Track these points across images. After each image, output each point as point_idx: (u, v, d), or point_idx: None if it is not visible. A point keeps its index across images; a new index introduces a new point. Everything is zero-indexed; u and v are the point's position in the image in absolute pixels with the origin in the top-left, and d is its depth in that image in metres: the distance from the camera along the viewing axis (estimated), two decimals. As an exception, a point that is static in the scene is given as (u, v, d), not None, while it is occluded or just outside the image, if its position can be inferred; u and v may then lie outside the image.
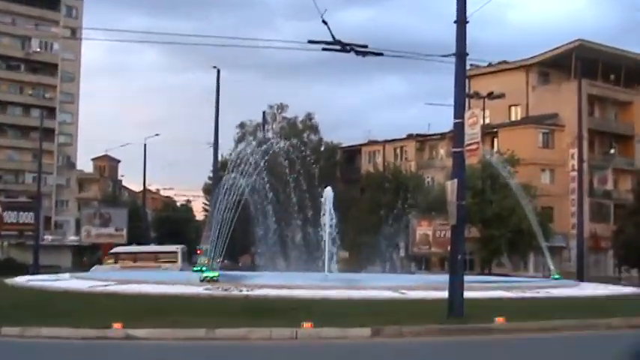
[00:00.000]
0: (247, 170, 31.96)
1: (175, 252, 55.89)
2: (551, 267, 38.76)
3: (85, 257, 76.20)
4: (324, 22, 17.54)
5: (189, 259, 56.50)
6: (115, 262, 52.39)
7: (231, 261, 76.21)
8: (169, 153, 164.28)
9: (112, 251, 55.98)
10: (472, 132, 17.75)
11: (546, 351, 14.15)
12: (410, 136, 78.78)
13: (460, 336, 15.45)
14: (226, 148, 77.65)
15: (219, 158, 64.28)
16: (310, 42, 17.91)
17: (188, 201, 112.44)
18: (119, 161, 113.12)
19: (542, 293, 25.40)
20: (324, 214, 34.98)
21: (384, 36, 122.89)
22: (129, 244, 73.67)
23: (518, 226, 52.87)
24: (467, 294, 18.37)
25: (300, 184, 42.15)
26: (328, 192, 35.87)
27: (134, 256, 54.18)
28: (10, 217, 67.48)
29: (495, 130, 66.71)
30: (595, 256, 64.88)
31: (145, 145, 72.12)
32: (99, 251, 72.93)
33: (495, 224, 54.85)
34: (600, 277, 50.25)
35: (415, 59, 20.03)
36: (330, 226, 34.64)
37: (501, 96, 55.90)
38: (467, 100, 51.04)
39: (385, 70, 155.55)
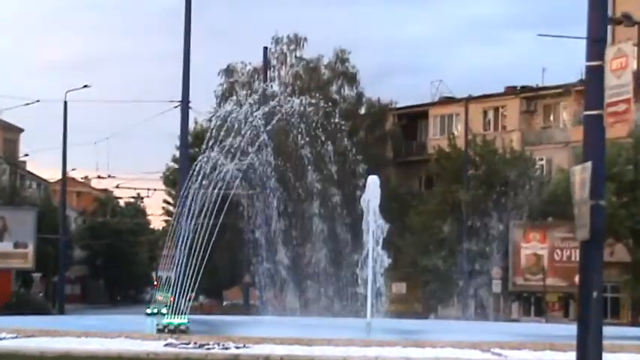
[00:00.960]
0: (239, 146, 32.09)
1: None
2: None
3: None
4: None
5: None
6: None
7: (211, 298, 76.95)
8: (108, 117, 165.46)
9: None
10: (618, 83, 17.70)
11: None
12: (511, 90, 78.56)
13: None
14: (204, 110, 78.10)
15: (192, 126, 64.71)
16: None
17: (138, 198, 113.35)
18: (21, 130, 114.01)
19: None
20: (365, 219, 34.99)
21: None
22: (37, 269, 74.31)
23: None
24: (608, 358, 18.33)
25: (327, 170, 42.23)
26: (373, 182, 35.86)
27: None
28: None
29: (658, 79, 66.41)
30: None
31: (65, 103, 72.41)
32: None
33: (658, 240, 54.76)
34: None
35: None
36: (376, 239, 34.67)
37: (669, 21, 55.52)
38: (610, 28, 50.87)
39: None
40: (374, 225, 34.80)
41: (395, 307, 54.64)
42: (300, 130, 39.34)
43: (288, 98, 40.56)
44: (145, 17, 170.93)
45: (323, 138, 41.50)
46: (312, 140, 40.98)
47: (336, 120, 45.08)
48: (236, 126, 32.01)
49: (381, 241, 34.56)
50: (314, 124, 40.92)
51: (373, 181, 36.00)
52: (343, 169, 44.92)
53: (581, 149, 18.86)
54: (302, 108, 37.76)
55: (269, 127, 34.24)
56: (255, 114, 33.03)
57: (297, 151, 41.46)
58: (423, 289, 64.99)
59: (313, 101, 39.13)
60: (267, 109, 34.64)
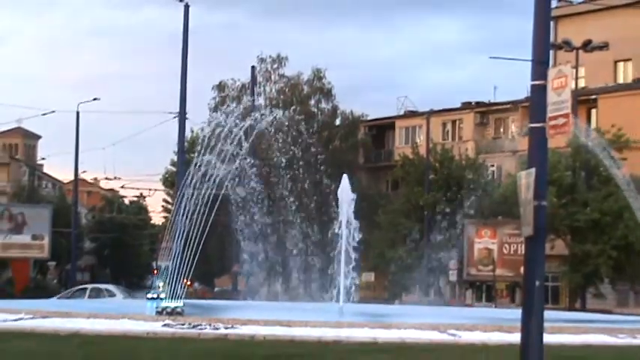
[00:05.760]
0: (227, 151, 31.98)
1: None
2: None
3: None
4: None
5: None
6: None
7: (204, 285, 76.73)
8: (115, 126, 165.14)
9: None
10: (558, 99, 17.70)
11: None
12: (466, 105, 78.73)
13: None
14: (199, 120, 77.91)
15: (188, 134, 64.49)
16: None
17: (141, 197, 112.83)
18: (39, 137, 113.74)
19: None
20: (338, 217, 34.93)
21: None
22: (52, 258, 73.97)
23: (625, 239, 52.79)
24: (549, 338, 18.33)
25: (305, 174, 42.17)
26: (345, 182, 35.89)
27: None
28: None
29: (594, 97, 66.51)
30: None
31: (77, 113, 72.04)
32: (7, 269, 73.27)
33: (592, 236, 54.79)
34: None
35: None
36: (349, 233, 34.61)
37: (604, 47, 55.70)
38: (552, 52, 50.91)
39: (430, 10, 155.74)
40: (346, 218, 34.80)
41: (364, 293, 54.68)
42: (281, 138, 39.29)
43: (271, 110, 40.44)
44: (148, 40, 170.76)
45: (302, 146, 41.49)
46: (292, 147, 40.92)
47: (314, 130, 45.09)
48: (223, 135, 31.92)
49: (352, 233, 34.57)
50: (293, 134, 40.87)
51: (346, 180, 36.09)
52: (319, 172, 44.90)
53: (526, 157, 18.89)
54: (284, 120, 37.71)
55: (253, 135, 34.20)
56: (240, 125, 32.94)
57: (278, 157, 41.38)
58: (389, 278, 64.90)
59: (295, 115, 39.12)
60: (251, 121, 34.54)
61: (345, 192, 35.54)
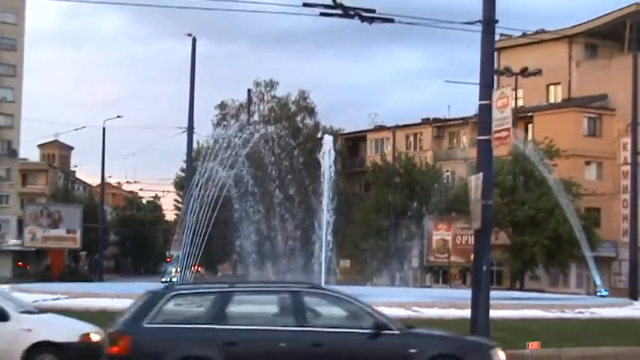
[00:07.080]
0: (227, 160, 31.95)
1: None
2: (598, 282, 38.89)
3: (29, 265, 76.19)
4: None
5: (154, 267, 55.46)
6: None
7: (208, 270, 76.42)
8: (134, 139, 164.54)
9: None
10: (501, 116, 17.70)
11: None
12: (426, 121, 78.68)
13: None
14: (204, 134, 77.73)
15: (195, 145, 64.31)
16: (305, 5, 17.86)
17: (156, 197, 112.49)
18: (72, 148, 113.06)
19: (586, 314, 25.47)
20: (321, 186, 34.59)
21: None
22: (83, 249, 73.72)
23: (556, 231, 52.96)
24: (493, 313, 18.36)
25: (291, 179, 42.11)
26: (328, 141, 35.41)
27: None
28: None
29: (530, 114, 66.65)
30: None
31: (103, 129, 71.57)
32: (46, 258, 73.00)
33: (529, 229, 54.93)
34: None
35: (433, 27, 19.96)
36: (330, 198, 34.23)
37: (538, 73, 55.88)
38: (495, 77, 51.05)
39: (396, 42, 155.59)
40: (329, 188, 34.47)
41: (341, 277, 54.64)
42: (272, 149, 39.22)
43: (263, 126, 40.46)
44: (162, 67, 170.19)
45: (287, 155, 41.42)
46: (280, 157, 40.87)
47: (299, 142, 45.03)
48: (225, 145, 31.88)
49: (331, 221, 34.45)
50: (280, 148, 40.79)
51: (329, 140, 35.59)
52: (303, 177, 44.81)
53: (475, 164, 18.91)
54: (273, 135, 37.64)
55: (248, 146, 34.15)
56: (235, 136, 32.89)
57: (270, 165, 41.31)
58: (362, 264, 64.84)
59: (281, 132, 38.99)
60: (247, 134, 34.50)
61: (328, 151, 34.94)
